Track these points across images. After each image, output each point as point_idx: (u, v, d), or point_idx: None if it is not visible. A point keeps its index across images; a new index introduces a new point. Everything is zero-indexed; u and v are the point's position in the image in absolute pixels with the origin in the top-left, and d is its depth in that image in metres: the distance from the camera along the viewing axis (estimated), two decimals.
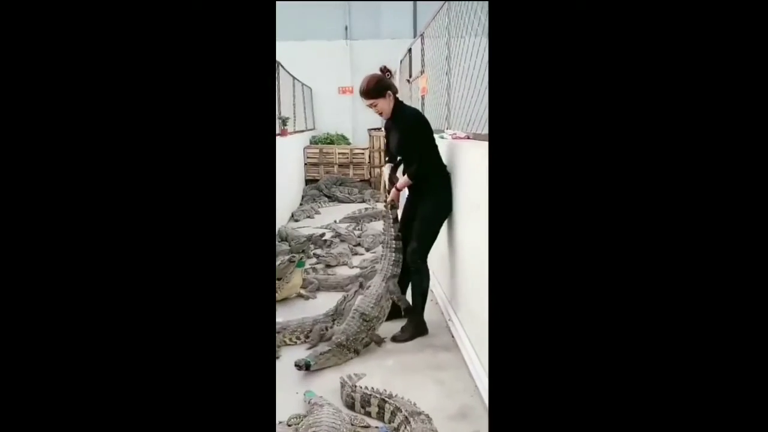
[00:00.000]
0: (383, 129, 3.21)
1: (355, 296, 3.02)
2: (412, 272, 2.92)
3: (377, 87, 2.82)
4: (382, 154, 3.24)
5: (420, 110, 3.08)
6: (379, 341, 2.75)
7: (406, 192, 3.08)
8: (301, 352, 2.66)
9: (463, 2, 3.01)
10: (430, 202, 2.87)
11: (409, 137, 2.87)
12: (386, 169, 3.15)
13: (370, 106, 2.87)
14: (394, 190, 3.01)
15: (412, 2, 10.66)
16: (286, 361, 2.60)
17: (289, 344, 2.77)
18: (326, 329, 2.85)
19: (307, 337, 2.82)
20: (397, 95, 2.93)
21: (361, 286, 3.24)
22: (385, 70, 2.92)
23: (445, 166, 2.94)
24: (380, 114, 2.93)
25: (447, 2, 3.44)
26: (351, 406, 2.17)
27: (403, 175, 2.95)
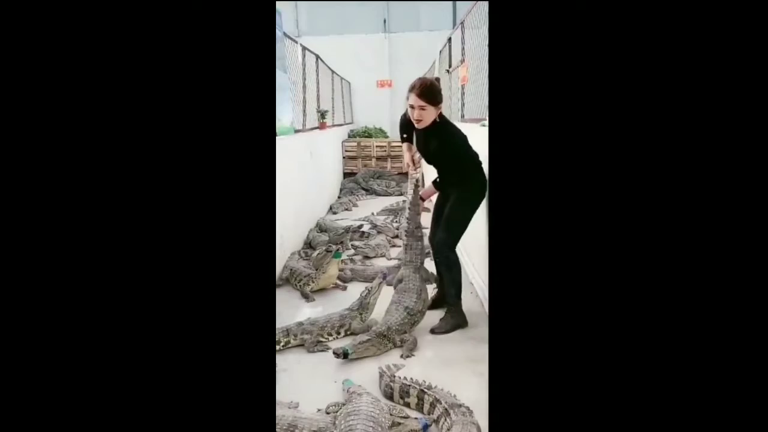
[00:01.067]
0: (403, 121, 2.98)
1: (379, 288, 2.94)
2: (441, 264, 2.87)
3: (438, 94, 2.67)
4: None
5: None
6: (407, 355, 2.57)
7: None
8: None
9: None
10: (460, 194, 2.81)
11: (448, 156, 2.78)
12: (405, 148, 3.09)
13: (418, 108, 2.65)
14: (421, 203, 2.99)
15: None
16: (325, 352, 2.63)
17: (323, 341, 2.73)
18: (361, 323, 2.82)
19: (338, 332, 2.77)
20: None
21: (384, 277, 3.13)
22: (437, 80, 2.81)
23: (478, 161, 2.81)
24: (419, 120, 2.70)
25: None
26: (390, 396, 2.16)
27: (436, 180, 2.90)
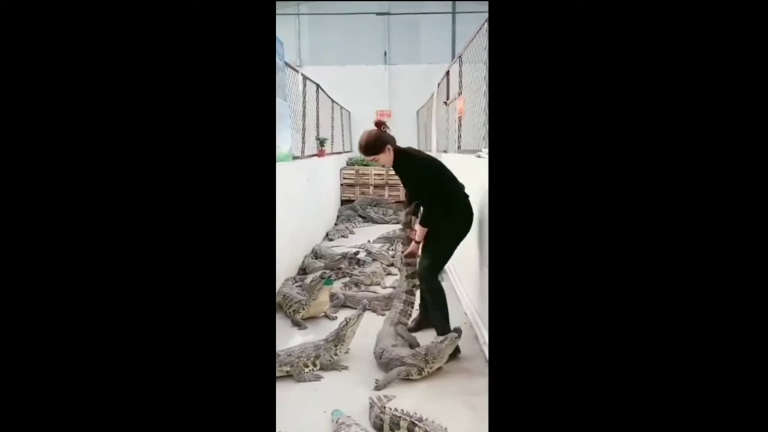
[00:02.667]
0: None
1: (357, 320, 2.87)
2: (425, 291, 2.92)
3: (375, 144, 2.84)
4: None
5: (426, 155, 3.08)
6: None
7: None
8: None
9: None
10: (446, 222, 2.84)
11: (415, 187, 2.96)
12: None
13: (372, 160, 2.94)
14: (413, 243, 2.98)
15: (450, 28, 10.78)
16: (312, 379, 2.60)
17: (306, 370, 2.67)
18: (332, 357, 2.75)
19: (313, 363, 2.69)
20: (396, 146, 2.90)
21: (364, 309, 3.02)
22: (380, 123, 2.93)
23: (462, 192, 2.86)
24: (383, 165, 2.99)
25: (485, 23, 3.44)
26: (379, 429, 2.11)
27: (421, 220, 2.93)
